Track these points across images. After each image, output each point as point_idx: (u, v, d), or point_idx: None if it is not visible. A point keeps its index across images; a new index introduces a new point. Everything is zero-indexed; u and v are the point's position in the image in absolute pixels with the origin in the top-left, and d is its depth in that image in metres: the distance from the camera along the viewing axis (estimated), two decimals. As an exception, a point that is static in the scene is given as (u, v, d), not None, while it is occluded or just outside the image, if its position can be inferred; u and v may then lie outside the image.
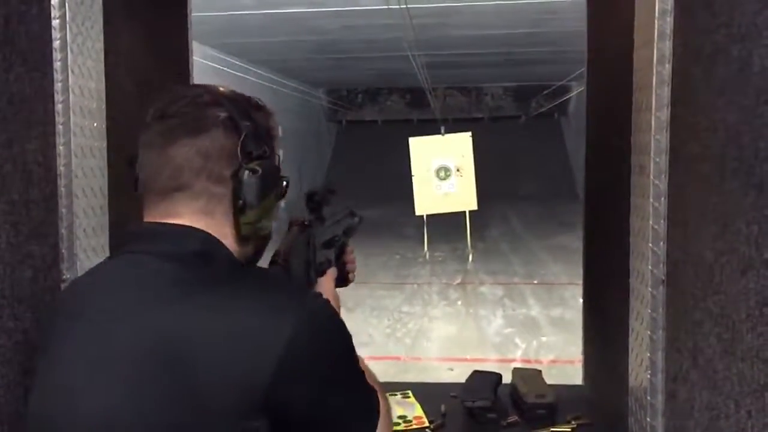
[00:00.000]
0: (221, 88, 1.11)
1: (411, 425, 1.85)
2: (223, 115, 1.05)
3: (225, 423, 0.91)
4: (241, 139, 1.05)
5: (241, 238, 1.07)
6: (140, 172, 1.08)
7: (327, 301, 1.02)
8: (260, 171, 1.05)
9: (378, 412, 1.06)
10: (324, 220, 1.37)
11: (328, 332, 1.00)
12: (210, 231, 1.04)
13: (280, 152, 1.18)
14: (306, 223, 1.36)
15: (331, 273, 1.37)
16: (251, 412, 0.91)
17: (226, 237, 1.06)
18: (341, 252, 1.43)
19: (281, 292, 1.02)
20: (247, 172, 1.04)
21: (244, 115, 1.07)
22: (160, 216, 1.06)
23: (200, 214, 1.04)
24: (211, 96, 1.08)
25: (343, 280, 1.44)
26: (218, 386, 0.91)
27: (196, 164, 1.03)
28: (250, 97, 1.13)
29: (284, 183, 1.13)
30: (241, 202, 1.05)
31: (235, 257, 1.06)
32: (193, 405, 0.91)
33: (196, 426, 0.91)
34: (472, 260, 10.08)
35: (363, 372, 1.06)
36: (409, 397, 2.02)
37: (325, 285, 1.34)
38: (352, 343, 1.04)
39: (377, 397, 1.07)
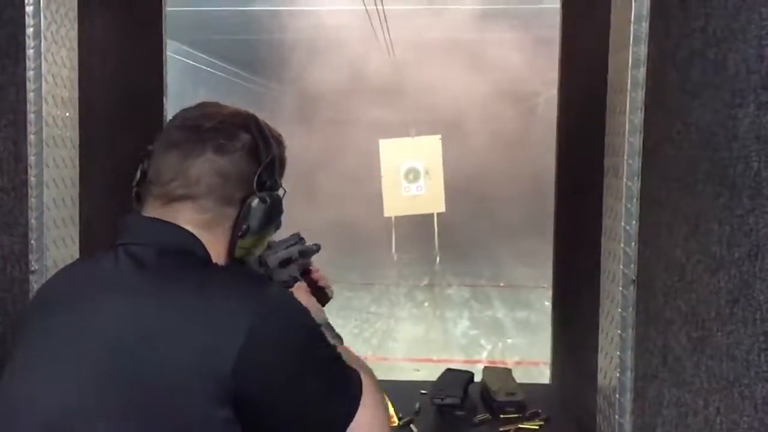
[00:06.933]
0: (246, 113, 1.16)
1: (381, 423, 1.85)
2: (249, 141, 1.10)
3: (190, 413, 0.92)
4: (260, 168, 1.10)
5: (230, 257, 1.11)
6: (150, 169, 1.10)
7: (289, 293, 1.05)
8: (269, 201, 1.11)
9: (359, 390, 1.05)
10: (270, 248, 1.41)
11: (289, 321, 1.01)
12: (203, 241, 1.07)
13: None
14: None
15: (301, 285, 1.41)
16: (216, 402, 0.92)
17: (217, 251, 1.09)
18: (305, 273, 1.48)
19: (244, 285, 1.03)
20: (257, 199, 1.10)
21: (267, 146, 1.12)
22: (158, 215, 1.08)
23: (199, 226, 1.07)
24: (242, 120, 1.13)
25: (322, 297, 1.48)
26: (181, 376, 0.92)
27: (213, 182, 1.07)
28: (270, 127, 1.18)
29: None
30: (245, 226, 1.10)
31: (210, 256, 1.08)
32: (157, 396, 0.92)
33: (161, 417, 0.92)
34: (440, 262, 10.12)
35: (336, 356, 1.06)
36: (379, 394, 2.02)
37: (299, 296, 1.36)
38: (316, 330, 1.06)
39: (357, 376, 1.07)
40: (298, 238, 1.51)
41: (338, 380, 1.04)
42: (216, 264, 1.08)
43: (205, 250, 1.07)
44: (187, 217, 1.07)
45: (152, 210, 1.08)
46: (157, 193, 1.08)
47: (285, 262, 1.43)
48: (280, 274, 1.41)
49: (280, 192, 1.17)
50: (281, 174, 1.18)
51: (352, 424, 1.02)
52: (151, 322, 0.96)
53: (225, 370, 0.92)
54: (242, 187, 1.09)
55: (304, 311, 1.06)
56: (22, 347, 1.04)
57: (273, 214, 1.13)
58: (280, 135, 1.19)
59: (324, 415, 1.02)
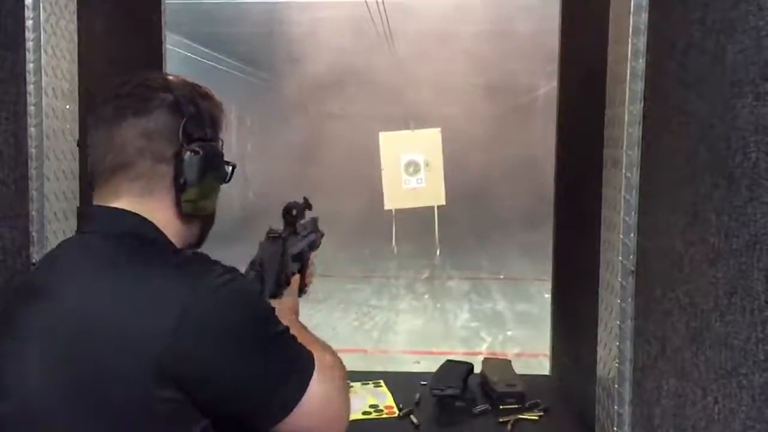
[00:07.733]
0: (172, 76, 1.17)
1: (382, 414, 1.86)
2: (168, 98, 1.11)
3: (133, 393, 0.95)
4: (184, 121, 1.10)
5: (183, 216, 1.13)
6: (90, 153, 1.12)
7: (231, 279, 1.03)
8: (201, 152, 1.11)
9: (310, 369, 1.05)
10: (297, 234, 1.45)
11: (226, 306, 1.00)
12: (150, 212, 1.09)
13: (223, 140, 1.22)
14: (280, 235, 1.42)
15: (296, 280, 1.44)
16: (156, 382, 0.95)
17: (169, 216, 1.11)
18: (304, 265, 1.50)
19: (182, 268, 1.04)
20: (188, 152, 1.10)
21: (188, 101, 1.12)
22: (104, 199, 1.10)
23: (140, 195, 1.09)
24: (160, 81, 1.13)
25: (300, 291, 1.50)
26: (121, 357, 0.95)
27: (139, 144, 1.08)
28: (199, 86, 1.18)
29: (229, 168, 1.19)
30: (182, 180, 1.10)
31: (163, 238, 1.10)
32: (103, 378, 0.96)
33: (108, 398, 0.96)
34: (440, 255, 10.13)
35: (286, 338, 1.06)
36: (380, 386, 2.03)
37: (292, 289, 1.42)
38: (262, 312, 1.05)
39: (308, 355, 1.07)
40: (314, 227, 1.53)
41: (285, 360, 1.04)
42: (165, 247, 1.10)
43: (155, 229, 1.09)
44: (124, 190, 1.09)
45: (98, 192, 1.11)
46: (98, 171, 1.11)
47: (297, 256, 1.45)
48: (293, 267, 1.43)
49: (218, 144, 1.18)
50: (215, 127, 1.17)
51: (306, 400, 1.03)
52: (91, 308, 0.99)
53: (161, 350, 0.95)
54: (170, 142, 1.10)
55: (249, 294, 1.07)
56: None
57: (211, 165, 1.13)
58: (208, 91, 1.19)
59: (269, 395, 1.02)
